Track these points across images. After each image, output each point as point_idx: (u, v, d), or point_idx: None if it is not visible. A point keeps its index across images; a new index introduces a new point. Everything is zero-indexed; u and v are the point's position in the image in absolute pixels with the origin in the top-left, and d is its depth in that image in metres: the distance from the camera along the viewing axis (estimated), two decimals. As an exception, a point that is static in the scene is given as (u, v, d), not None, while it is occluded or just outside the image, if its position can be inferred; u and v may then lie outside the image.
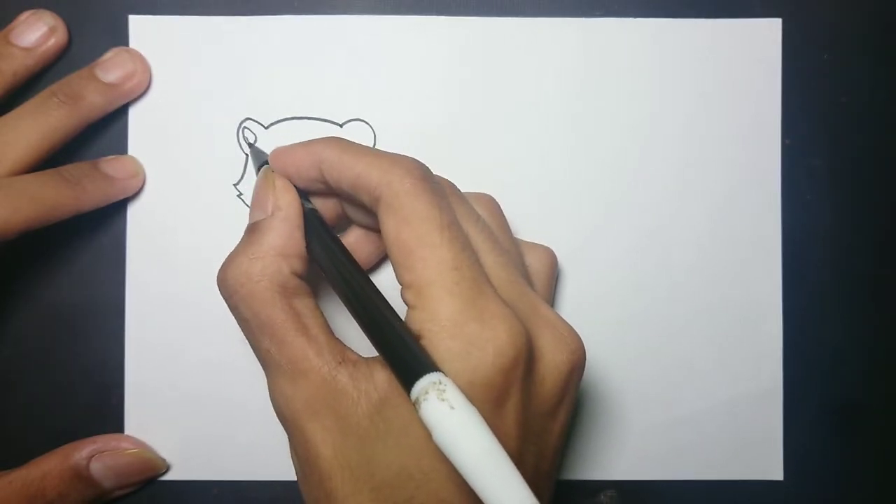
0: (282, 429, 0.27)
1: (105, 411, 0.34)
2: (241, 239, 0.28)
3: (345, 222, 0.31)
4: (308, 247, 0.28)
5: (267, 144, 0.33)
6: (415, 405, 0.23)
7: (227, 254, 0.28)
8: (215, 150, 0.34)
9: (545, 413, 0.26)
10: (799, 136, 0.35)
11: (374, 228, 0.30)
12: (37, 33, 0.33)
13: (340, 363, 0.26)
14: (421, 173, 0.26)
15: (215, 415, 0.34)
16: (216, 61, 0.34)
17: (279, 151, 0.29)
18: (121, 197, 0.34)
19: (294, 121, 0.34)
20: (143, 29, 0.34)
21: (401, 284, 0.26)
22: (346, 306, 0.27)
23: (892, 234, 0.35)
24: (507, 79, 0.35)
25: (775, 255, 0.35)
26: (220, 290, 0.28)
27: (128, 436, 0.34)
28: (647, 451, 0.35)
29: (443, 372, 0.23)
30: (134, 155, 0.34)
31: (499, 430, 0.23)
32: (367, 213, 0.29)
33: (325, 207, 0.30)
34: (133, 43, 0.34)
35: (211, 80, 0.34)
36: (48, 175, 0.31)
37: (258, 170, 0.31)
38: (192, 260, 0.34)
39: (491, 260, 0.27)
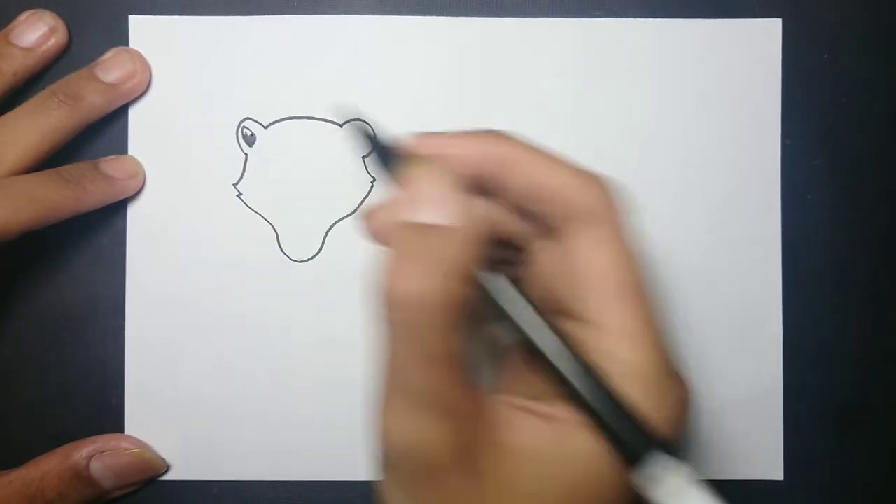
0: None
1: (105, 411, 0.34)
2: (406, 237, 0.23)
3: None
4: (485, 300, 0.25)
5: (266, 144, 0.33)
6: (640, 485, 0.23)
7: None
8: (215, 150, 0.34)
9: None
10: (799, 136, 0.35)
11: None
12: (37, 33, 0.33)
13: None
14: (622, 204, 0.25)
15: (215, 415, 0.34)
16: (216, 61, 0.34)
17: (434, 140, 0.25)
18: (121, 197, 0.34)
19: (294, 120, 0.34)
20: (143, 29, 0.34)
21: (578, 316, 0.24)
22: (547, 374, 0.24)
23: (892, 234, 0.35)
24: (507, 79, 0.35)
25: (775, 255, 0.35)
26: (381, 298, 0.22)
27: (128, 436, 0.34)
28: (647, 451, 0.35)
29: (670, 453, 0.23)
30: (134, 155, 0.34)
31: None
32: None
33: None
34: (133, 43, 0.34)
35: (211, 80, 0.34)
36: (48, 175, 0.31)
37: (370, 144, 0.26)
38: (192, 260, 0.34)
39: None
